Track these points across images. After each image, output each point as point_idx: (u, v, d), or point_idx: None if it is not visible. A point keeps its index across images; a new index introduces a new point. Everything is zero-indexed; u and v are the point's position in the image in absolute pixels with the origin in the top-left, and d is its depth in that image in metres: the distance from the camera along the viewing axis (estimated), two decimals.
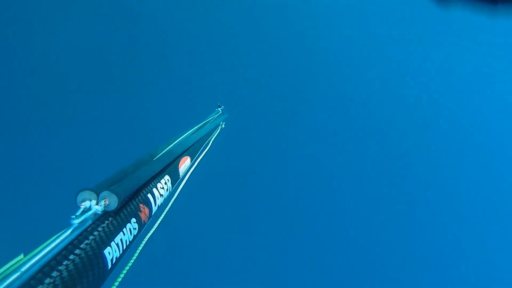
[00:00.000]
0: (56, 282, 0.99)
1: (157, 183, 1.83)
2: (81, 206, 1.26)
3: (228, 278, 8.11)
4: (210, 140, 3.20)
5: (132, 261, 1.47)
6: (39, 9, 10.19)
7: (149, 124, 9.74)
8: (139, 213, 1.56)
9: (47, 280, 0.97)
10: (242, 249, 8.78)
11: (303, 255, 9.15)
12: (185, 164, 2.34)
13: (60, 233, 1.15)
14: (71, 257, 1.10)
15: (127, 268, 1.43)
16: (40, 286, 0.94)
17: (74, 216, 1.19)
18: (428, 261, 10.33)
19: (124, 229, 1.42)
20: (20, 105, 9.16)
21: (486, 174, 11.67)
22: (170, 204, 1.98)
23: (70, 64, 10.48)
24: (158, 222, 1.81)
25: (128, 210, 1.50)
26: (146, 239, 1.61)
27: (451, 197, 11.40)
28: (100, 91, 10.13)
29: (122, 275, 1.39)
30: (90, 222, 1.27)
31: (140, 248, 1.54)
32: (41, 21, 10.38)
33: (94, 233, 1.25)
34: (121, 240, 1.38)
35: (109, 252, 1.28)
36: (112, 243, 1.31)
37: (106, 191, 1.34)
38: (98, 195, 1.33)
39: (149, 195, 1.71)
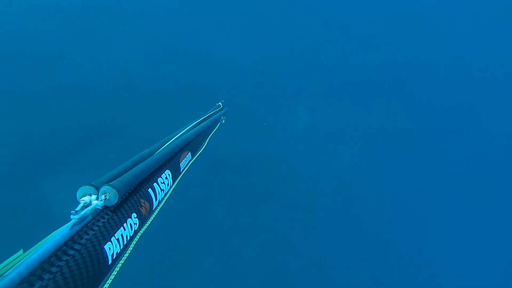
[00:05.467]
0: (56, 278, 0.98)
1: (158, 178, 1.82)
2: (81, 201, 1.25)
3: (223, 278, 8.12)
4: (210, 135, 3.18)
5: (126, 254, 1.46)
6: None
7: (150, 119, 9.74)
8: (140, 208, 1.55)
9: (47, 276, 0.96)
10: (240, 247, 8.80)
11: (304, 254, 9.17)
12: (185, 159, 2.33)
13: (60, 228, 1.14)
14: (71, 252, 1.09)
15: (122, 261, 1.42)
16: (40, 282, 0.93)
17: (74, 211, 1.17)
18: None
19: (125, 224, 1.41)
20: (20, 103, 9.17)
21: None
22: (166, 198, 1.97)
23: (71, 61, 10.49)
24: (154, 215, 1.80)
25: (129, 205, 1.49)
26: (141, 232, 1.60)
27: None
28: (98, 89, 10.15)
29: (116, 269, 1.38)
30: (90, 217, 1.26)
31: (135, 241, 1.53)
32: None
33: (94, 228, 1.24)
34: (121, 235, 1.37)
35: (109, 248, 1.27)
36: (113, 238, 1.30)
37: (106, 186, 1.33)
38: (98, 190, 1.32)
39: (150, 190, 1.70)
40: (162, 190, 1.84)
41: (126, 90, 10.35)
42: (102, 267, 1.20)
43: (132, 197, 1.54)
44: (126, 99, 10.10)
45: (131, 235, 1.45)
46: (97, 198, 1.31)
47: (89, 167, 7.92)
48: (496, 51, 14.49)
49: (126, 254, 1.46)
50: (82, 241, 1.16)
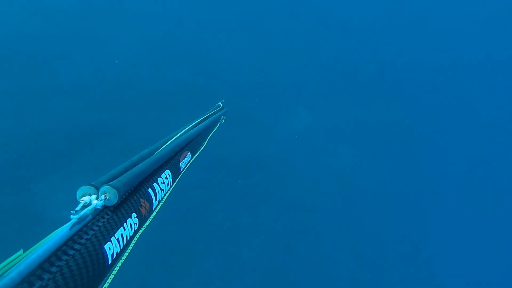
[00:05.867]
0: (56, 278, 0.98)
1: (158, 178, 1.83)
2: (81, 201, 1.25)
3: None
4: (210, 134, 3.18)
5: (126, 254, 1.46)
6: None
7: (150, 119, 9.73)
8: (140, 208, 1.55)
9: (47, 276, 0.96)
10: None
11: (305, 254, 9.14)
12: (185, 158, 2.33)
13: (60, 228, 1.14)
14: (71, 252, 1.09)
15: (121, 261, 1.42)
16: (40, 282, 0.93)
17: (73, 211, 1.17)
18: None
19: (125, 224, 1.40)
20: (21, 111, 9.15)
21: None
22: (165, 197, 1.97)
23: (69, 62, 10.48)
24: (153, 215, 1.80)
25: (129, 205, 1.49)
26: (140, 232, 1.60)
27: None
28: (98, 89, 10.13)
29: (116, 268, 1.38)
30: (90, 217, 1.26)
31: (134, 241, 1.53)
32: None
33: (94, 228, 1.24)
34: (121, 235, 1.37)
35: (109, 247, 1.27)
36: (113, 238, 1.30)
37: (106, 186, 1.33)
38: (98, 190, 1.32)
39: (150, 190, 1.70)
40: (162, 190, 1.84)
41: (126, 90, 10.34)
42: (102, 267, 1.20)
43: (132, 197, 1.54)
44: (126, 99, 10.10)
45: (131, 235, 1.45)
46: (97, 198, 1.31)
47: (89, 167, 7.92)
48: (495, 50, 14.48)
49: (125, 254, 1.46)
50: (82, 241, 1.16)
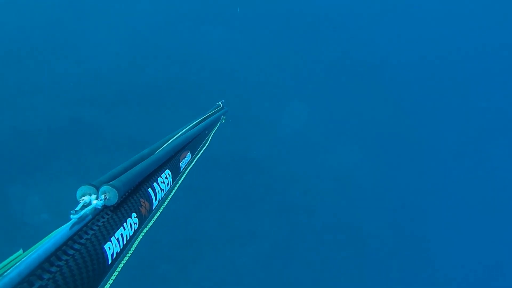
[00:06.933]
0: (56, 278, 0.98)
1: (158, 177, 1.83)
2: (81, 201, 1.25)
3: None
4: (210, 134, 3.20)
5: (128, 255, 1.46)
6: None
7: (150, 119, 9.72)
8: (140, 208, 1.56)
9: (47, 276, 0.96)
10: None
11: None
12: (185, 158, 2.34)
13: (60, 228, 1.14)
14: (71, 252, 1.09)
15: (123, 262, 1.42)
16: (40, 282, 0.93)
17: (73, 211, 1.17)
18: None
19: (125, 224, 1.41)
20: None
21: None
22: (168, 198, 1.98)
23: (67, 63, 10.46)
24: (156, 216, 1.80)
25: (129, 204, 1.49)
26: (143, 233, 1.60)
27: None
28: (99, 89, 10.11)
29: (118, 269, 1.38)
30: (90, 217, 1.26)
31: (137, 242, 1.53)
32: None
33: (94, 228, 1.24)
34: (121, 235, 1.37)
35: (109, 247, 1.27)
36: (113, 238, 1.30)
37: (106, 186, 1.33)
38: (98, 189, 1.32)
39: (150, 190, 1.70)
40: (162, 189, 1.84)
41: (125, 90, 10.32)
42: (102, 266, 1.20)
43: (132, 197, 1.54)
44: (125, 99, 10.08)
45: (131, 234, 1.46)
46: (97, 198, 1.31)
47: (89, 167, 7.91)
48: (496, 49, 14.49)
49: (128, 255, 1.46)
50: (82, 240, 1.16)
